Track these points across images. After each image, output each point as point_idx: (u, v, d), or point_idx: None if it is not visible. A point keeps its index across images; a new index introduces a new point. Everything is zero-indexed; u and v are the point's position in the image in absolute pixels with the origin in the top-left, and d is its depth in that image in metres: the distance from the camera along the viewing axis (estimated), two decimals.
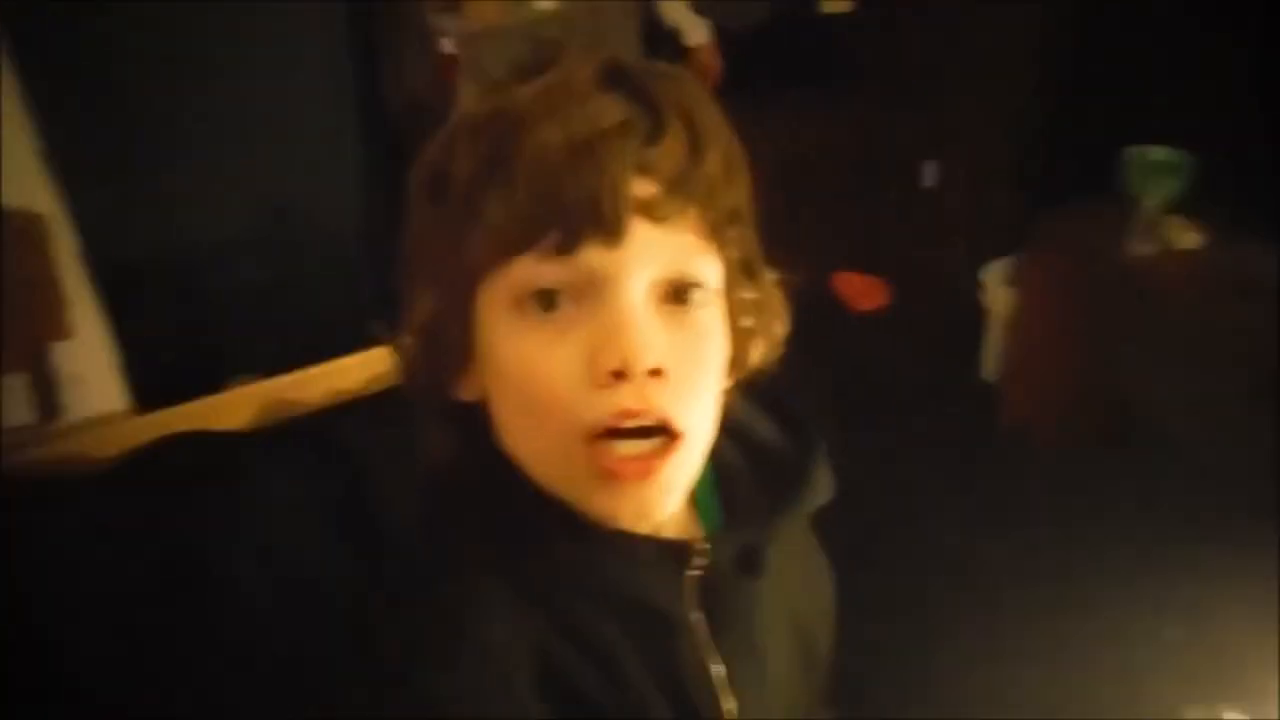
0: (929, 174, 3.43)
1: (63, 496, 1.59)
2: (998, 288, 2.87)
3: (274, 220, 2.84)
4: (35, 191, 2.05)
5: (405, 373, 0.71)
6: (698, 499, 0.76)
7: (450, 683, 0.63)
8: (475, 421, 0.69)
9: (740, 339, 0.70)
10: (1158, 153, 2.55)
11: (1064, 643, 1.87)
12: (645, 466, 0.63)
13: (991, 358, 2.96)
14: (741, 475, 0.78)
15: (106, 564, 1.52)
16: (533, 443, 0.66)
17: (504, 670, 0.65)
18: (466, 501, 0.70)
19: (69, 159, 2.30)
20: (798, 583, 0.84)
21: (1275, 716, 1.35)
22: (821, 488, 0.77)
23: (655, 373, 0.61)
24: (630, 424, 0.62)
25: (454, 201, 0.64)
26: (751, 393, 0.77)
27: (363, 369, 1.97)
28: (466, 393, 0.70)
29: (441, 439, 0.72)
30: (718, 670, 0.73)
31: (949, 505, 2.40)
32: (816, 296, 3.31)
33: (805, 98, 3.06)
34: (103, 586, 1.50)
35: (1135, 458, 2.31)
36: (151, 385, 2.26)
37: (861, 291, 3.36)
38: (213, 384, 2.24)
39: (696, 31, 2.93)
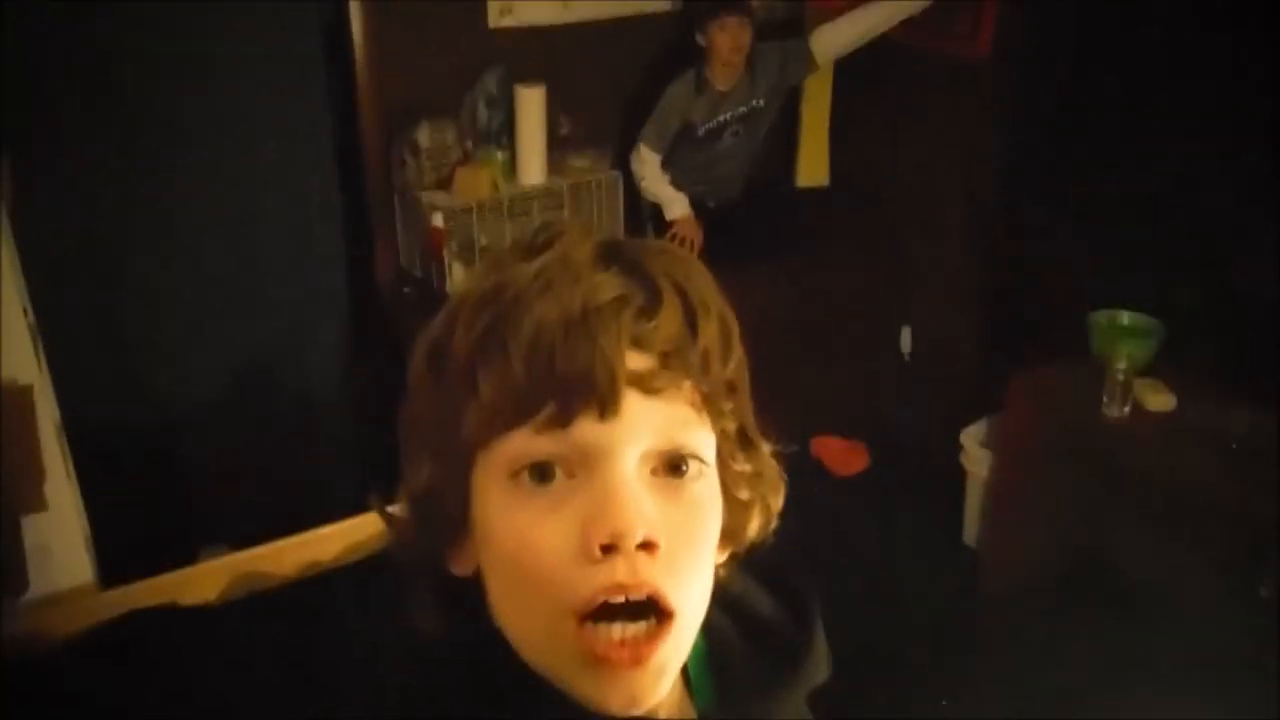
0: (905, 340, 3.50)
1: (25, 673, 1.54)
2: (975, 449, 2.88)
3: (254, 385, 2.85)
4: (25, 361, 2.06)
5: (397, 544, 0.70)
6: (691, 676, 0.74)
7: None
8: (467, 597, 0.68)
9: (736, 512, 0.70)
10: (1125, 317, 2.63)
11: None
12: (637, 653, 0.61)
13: (971, 520, 2.94)
14: (736, 651, 0.76)
15: None
16: (522, 621, 0.65)
17: None
18: (453, 680, 0.68)
19: (56, 331, 2.33)
20: None
21: None
22: (819, 666, 0.76)
23: (647, 546, 0.60)
24: (620, 599, 0.60)
25: (452, 376, 0.64)
26: (749, 564, 0.75)
27: (337, 539, 1.94)
28: (459, 567, 0.69)
29: (431, 614, 0.70)
30: None
31: (932, 671, 2.34)
32: (796, 462, 3.31)
33: (782, 268, 3.16)
34: None
35: (1118, 617, 2.27)
36: (122, 558, 2.22)
37: (842, 457, 3.36)
38: (183, 556, 2.20)
39: (677, 205, 3.05)
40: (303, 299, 2.87)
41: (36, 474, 2.05)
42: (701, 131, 3.05)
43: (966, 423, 2.96)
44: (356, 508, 1.93)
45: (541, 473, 0.61)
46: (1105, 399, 2.44)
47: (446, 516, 0.67)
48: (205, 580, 1.85)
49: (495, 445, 0.63)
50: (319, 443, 2.96)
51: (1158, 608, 2.25)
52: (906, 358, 3.52)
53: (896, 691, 2.24)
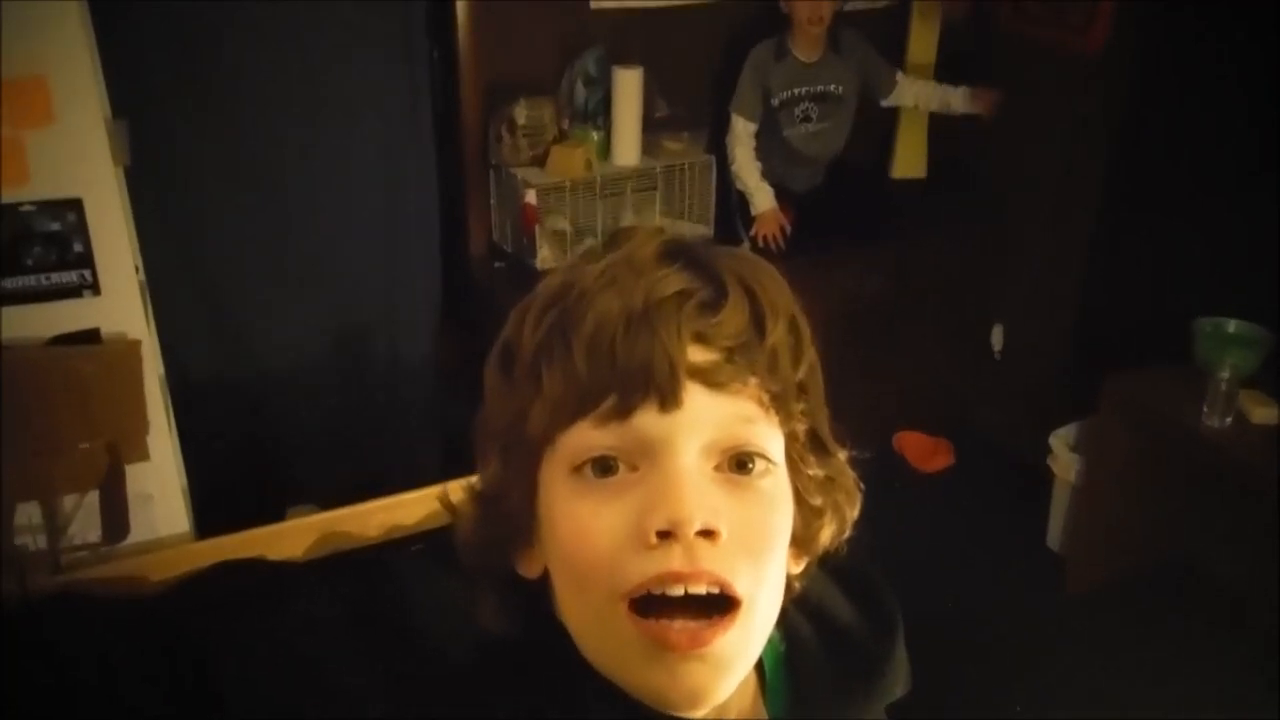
0: (997, 337, 3.42)
1: (116, 617, 1.61)
2: (1065, 453, 2.81)
3: (348, 353, 2.93)
4: (134, 318, 2.16)
5: (464, 544, 0.70)
6: (767, 678, 0.72)
7: None
8: (533, 596, 0.68)
9: (808, 518, 0.68)
10: (1232, 325, 2.53)
11: None
12: (698, 636, 0.60)
13: (1057, 525, 2.87)
14: (815, 657, 0.74)
15: (155, 684, 1.52)
16: (579, 612, 0.64)
17: None
18: (517, 678, 0.68)
19: (165, 288, 2.43)
20: None
21: None
22: (897, 680, 0.75)
23: (707, 534, 0.59)
24: (678, 591, 0.59)
25: (519, 374, 0.65)
26: (834, 571, 0.74)
27: (419, 506, 1.99)
28: (527, 568, 0.69)
29: (497, 613, 0.70)
30: None
31: (1009, 675, 2.29)
32: (878, 456, 3.27)
33: (872, 258, 3.11)
34: (138, 699, 1.50)
35: (1205, 632, 2.20)
36: (216, 511, 2.31)
37: (925, 452, 3.31)
38: (272, 514, 2.28)
39: (762, 198, 3.03)
40: (396, 270, 2.93)
41: (142, 425, 2.15)
42: (776, 101, 3.03)
43: (1056, 425, 2.89)
44: (438, 476, 1.98)
45: (604, 466, 0.61)
46: (1206, 409, 2.35)
47: (513, 515, 0.67)
48: (292, 537, 1.91)
49: (559, 441, 0.63)
50: (406, 411, 3.03)
51: (1248, 624, 2.17)
52: (997, 355, 3.45)
53: (972, 694, 2.20)
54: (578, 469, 0.62)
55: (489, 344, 0.72)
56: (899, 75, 3.17)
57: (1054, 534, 2.89)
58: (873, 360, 3.05)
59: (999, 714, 2.18)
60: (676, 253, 0.65)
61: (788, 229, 3.01)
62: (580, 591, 0.63)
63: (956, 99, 3.13)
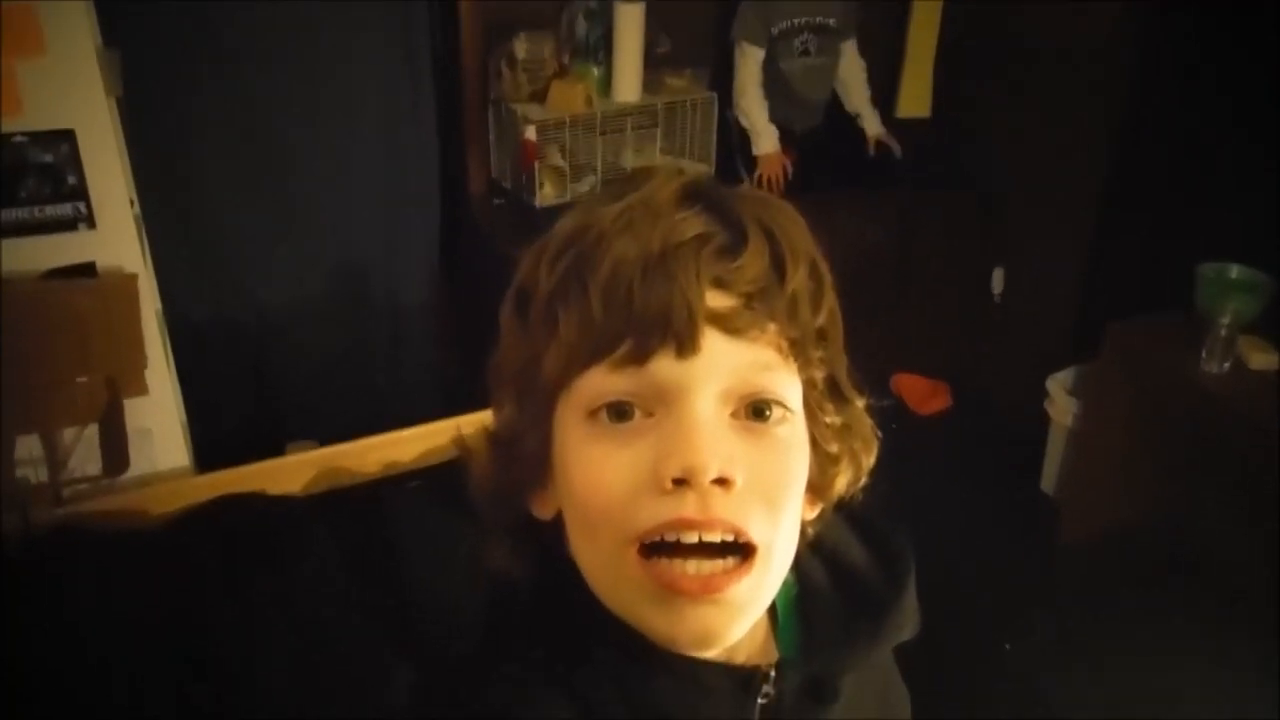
0: (997, 280, 3.41)
1: (117, 550, 1.63)
2: (1062, 398, 2.82)
3: (346, 290, 2.92)
4: (130, 252, 2.15)
5: (480, 485, 0.70)
6: (780, 619, 0.73)
7: None
8: (545, 539, 0.68)
9: (824, 465, 0.68)
10: (1235, 271, 2.52)
11: None
12: (710, 582, 0.60)
13: (1053, 469, 2.89)
14: (827, 599, 0.74)
15: (147, 612, 1.54)
16: (591, 555, 0.64)
17: None
18: (529, 614, 0.69)
19: (160, 222, 2.41)
20: (874, 712, 0.80)
21: None
22: (906, 623, 0.75)
23: (722, 482, 0.59)
24: (691, 538, 0.59)
25: (534, 317, 0.64)
26: (848, 516, 0.74)
27: (417, 442, 2.00)
28: (540, 510, 0.69)
29: (510, 555, 0.70)
30: None
31: (1001, 620, 2.32)
32: (875, 398, 3.27)
33: (873, 199, 3.08)
34: (139, 634, 1.51)
35: (1189, 582, 2.22)
36: (214, 445, 2.32)
37: (922, 395, 3.32)
38: (271, 449, 2.29)
39: (766, 139, 2.99)
40: (395, 206, 2.91)
41: (139, 359, 2.15)
42: (775, 30, 2.98)
43: (1054, 369, 2.89)
44: (437, 413, 1.99)
45: (619, 411, 0.61)
46: (1205, 354, 2.35)
47: (528, 457, 0.66)
48: (291, 472, 1.92)
49: (574, 385, 0.62)
50: (404, 348, 3.03)
51: (1237, 573, 2.19)
52: (997, 299, 3.44)
53: (962, 636, 2.23)
54: (593, 414, 0.62)
55: (487, 282, 0.71)
56: (853, 43, 3.14)
57: (1049, 478, 2.91)
58: (872, 303, 3.04)
59: (987, 652, 2.21)
60: (696, 195, 0.64)
61: (790, 171, 2.98)
62: (592, 535, 0.63)
63: (868, 119, 3.15)
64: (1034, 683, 2.08)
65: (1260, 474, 2.19)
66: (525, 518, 0.69)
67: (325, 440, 2.11)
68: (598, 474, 0.61)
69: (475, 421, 1.89)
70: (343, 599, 1.57)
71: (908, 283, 3.24)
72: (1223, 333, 2.33)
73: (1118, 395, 2.59)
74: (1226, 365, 2.34)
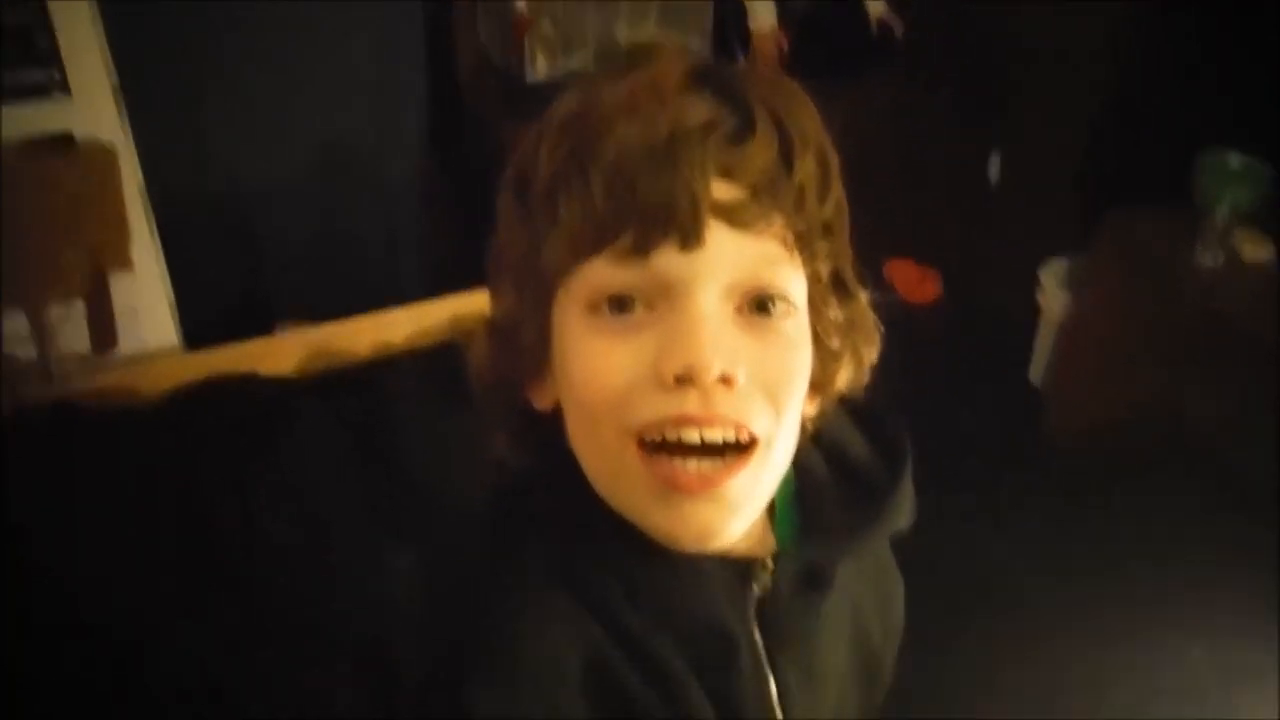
0: (994, 167, 3.36)
1: (109, 428, 1.62)
2: (1055, 288, 2.81)
3: (333, 167, 2.86)
4: (108, 122, 2.09)
5: (479, 374, 0.69)
6: (777, 509, 0.73)
7: (491, 698, 0.62)
8: (545, 430, 0.68)
9: (826, 361, 0.67)
10: (1234, 159, 2.48)
11: (1093, 658, 1.85)
12: (710, 478, 0.59)
13: (1041, 360, 2.91)
14: (825, 489, 0.74)
15: (143, 496, 1.55)
16: (591, 449, 0.64)
17: (550, 685, 0.63)
18: (530, 507, 0.69)
19: (139, 93, 2.33)
20: (869, 601, 0.81)
21: None
22: (903, 513, 0.74)
23: (726, 380, 0.58)
24: (693, 436, 0.59)
25: (534, 203, 0.62)
26: (847, 405, 0.74)
27: (409, 322, 1.98)
28: (539, 400, 0.68)
29: (508, 443, 0.70)
30: (771, 687, 0.72)
31: (984, 509, 2.37)
32: (871, 285, 3.27)
33: (869, 83, 3.01)
34: (135, 518, 1.53)
35: (1180, 475, 2.26)
36: (203, 324, 2.31)
37: (915, 282, 3.31)
38: (262, 327, 2.27)
39: (763, 14, 2.89)
40: (383, 83, 2.83)
41: (122, 232, 2.11)
42: None
43: (1048, 259, 2.88)
44: (428, 293, 1.97)
45: (620, 304, 0.59)
46: (1200, 245, 2.34)
47: (527, 348, 0.66)
48: (282, 352, 1.91)
49: (575, 275, 0.61)
50: (394, 226, 2.98)
51: (1222, 465, 2.23)
52: (992, 186, 3.40)
53: (944, 527, 2.27)
54: (593, 305, 0.60)
55: (477, 159, 0.69)
56: None
57: (1037, 369, 2.93)
58: (867, 188, 2.99)
59: (967, 539, 2.26)
60: (703, 77, 0.61)
61: (785, 50, 2.89)
62: (591, 428, 0.62)
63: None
64: (1017, 575, 2.13)
65: (1251, 368, 2.21)
66: (524, 408, 0.69)
67: (316, 320, 2.09)
68: (597, 367, 0.60)
69: (467, 302, 1.88)
70: (338, 480, 1.58)
71: (903, 168, 3.19)
72: (1219, 223, 2.31)
73: (1110, 286, 2.59)
74: (1221, 257, 2.34)
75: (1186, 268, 2.36)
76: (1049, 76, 3.05)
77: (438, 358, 1.83)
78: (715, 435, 0.59)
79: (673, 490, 0.60)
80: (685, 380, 0.58)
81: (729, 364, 0.58)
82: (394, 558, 1.41)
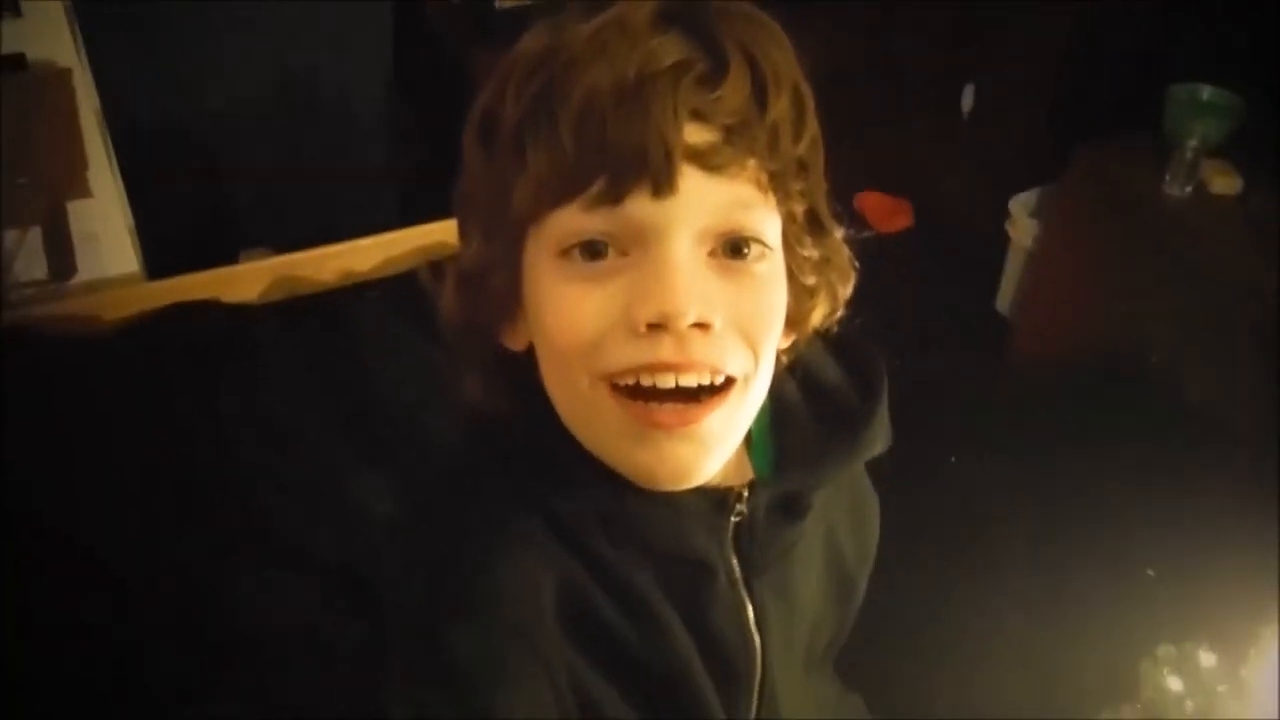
0: (967, 98, 3.34)
1: (70, 355, 1.60)
2: (1024, 218, 2.82)
3: (298, 92, 2.80)
4: (62, 45, 2.02)
5: (449, 317, 0.69)
6: (754, 438, 0.73)
7: (469, 631, 0.62)
8: (518, 370, 0.67)
9: (801, 298, 0.67)
10: (1205, 92, 2.48)
11: (1053, 579, 1.89)
12: (686, 415, 0.60)
13: (1009, 290, 2.92)
14: (800, 416, 0.75)
15: (107, 427, 1.54)
16: (564, 391, 0.64)
17: (527, 618, 0.63)
18: (503, 443, 0.69)
19: (94, 15, 2.26)
20: (844, 524, 0.82)
21: (1251, 658, 1.37)
22: (879, 439, 0.75)
23: (701, 326, 0.58)
24: (668, 382, 0.59)
25: (502, 147, 0.61)
26: (822, 335, 0.74)
27: (375, 252, 1.96)
28: (512, 342, 0.68)
29: (481, 385, 0.69)
30: (749, 612, 0.73)
31: (949, 433, 2.40)
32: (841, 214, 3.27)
33: (841, 10, 2.97)
34: (101, 449, 1.51)
35: (1143, 402, 2.29)
36: (164, 252, 2.27)
37: (886, 213, 3.30)
38: (225, 255, 2.24)
39: None
40: (347, 6, 2.76)
41: (78, 159, 2.05)
42: None
43: (1019, 190, 2.88)
44: (392, 222, 1.94)
45: (592, 250, 0.59)
46: (1168, 177, 2.34)
47: (498, 292, 0.65)
48: (246, 280, 1.88)
49: (545, 221, 0.60)
50: (358, 156, 2.94)
51: (1181, 394, 2.26)
52: (965, 117, 3.38)
53: (913, 450, 2.30)
54: (564, 252, 0.60)
55: (442, 88, 0.67)
56: None
57: (1004, 299, 2.95)
58: (838, 118, 2.97)
59: (936, 461, 2.29)
60: (674, 15, 0.59)
61: None
62: (564, 372, 0.62)
63: None
64: (985, 496, 2.17)
65: (1215, 299, 2.23)
66: (497, 350, 0.69)
67: (280, 249, 2.06)
68: (569, 313, 0.60)
69: (435, 232, 1.86)
70: (302, 405, 1.57)
71: (876, 100, 3.16)
72: (1188, 155, 2.31)
73: (1078, 217, 2.60)
74: (1189, 189, 2.34)
75: (1154, 199, 2.37)
76: (1022, 8, 3.02)
77: (405, 287, 1.81)
78: (690, 380, 0.59)
79: (648, 428, 0.60)
80: (658, 327, 0.58)
81: (704, 310, 0.58)
82: (362, 484, 1.41)
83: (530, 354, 0.67)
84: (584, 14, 0.60)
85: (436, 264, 0.71)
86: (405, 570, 0.67)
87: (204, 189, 2.77)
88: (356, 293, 1.83)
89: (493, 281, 0.65)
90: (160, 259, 2.22)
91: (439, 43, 2.81)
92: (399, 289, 1.82)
